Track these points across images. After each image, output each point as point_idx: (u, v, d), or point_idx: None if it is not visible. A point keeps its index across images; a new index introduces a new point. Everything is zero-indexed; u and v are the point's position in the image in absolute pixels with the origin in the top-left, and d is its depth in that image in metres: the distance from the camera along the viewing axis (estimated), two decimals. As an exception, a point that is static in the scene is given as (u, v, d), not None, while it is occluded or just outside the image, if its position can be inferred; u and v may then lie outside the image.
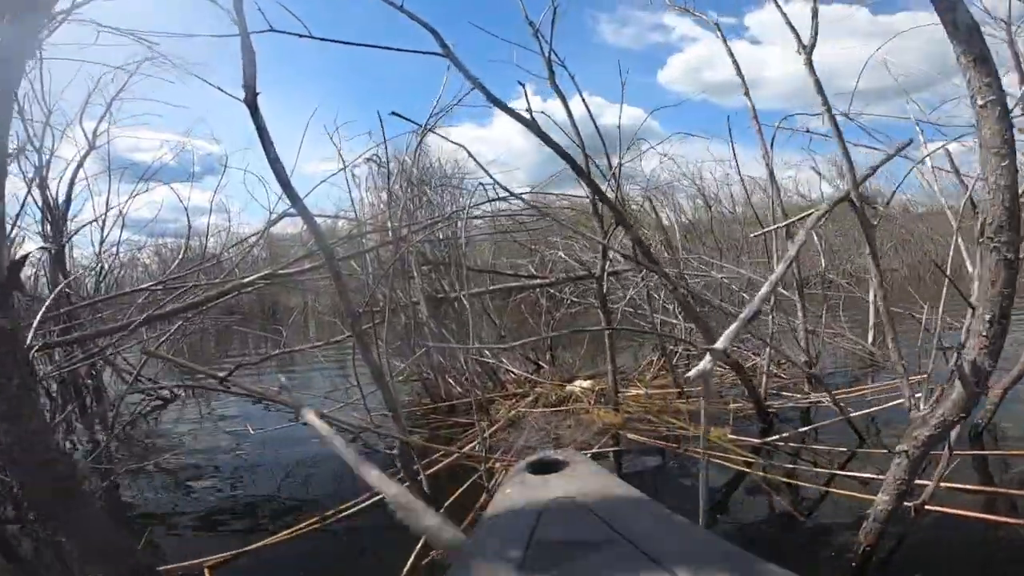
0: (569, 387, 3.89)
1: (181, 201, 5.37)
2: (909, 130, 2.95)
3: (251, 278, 3.31)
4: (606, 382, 3.94)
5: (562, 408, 3.50)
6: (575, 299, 5.57)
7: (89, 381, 5.09)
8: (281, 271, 3.40)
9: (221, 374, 2.78)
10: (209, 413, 4.59)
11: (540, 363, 4.94)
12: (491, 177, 3.33)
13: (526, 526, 0.79)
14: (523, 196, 4.26)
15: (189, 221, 5.27)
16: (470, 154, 3.45)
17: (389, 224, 4.03)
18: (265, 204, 4.11)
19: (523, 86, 2.90)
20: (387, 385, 2.08)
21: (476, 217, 4.48)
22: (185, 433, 3.98)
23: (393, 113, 2.78)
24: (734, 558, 0.70)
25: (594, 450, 2.69)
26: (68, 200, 5.14)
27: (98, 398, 5.16)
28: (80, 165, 5.22)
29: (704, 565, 0.67)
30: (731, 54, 3.64)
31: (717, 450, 2.61)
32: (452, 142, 3.58)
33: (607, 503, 0.84)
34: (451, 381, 3.94)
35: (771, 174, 3.72)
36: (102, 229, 5.72)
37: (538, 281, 4.41)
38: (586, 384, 3.90)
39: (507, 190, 3.40)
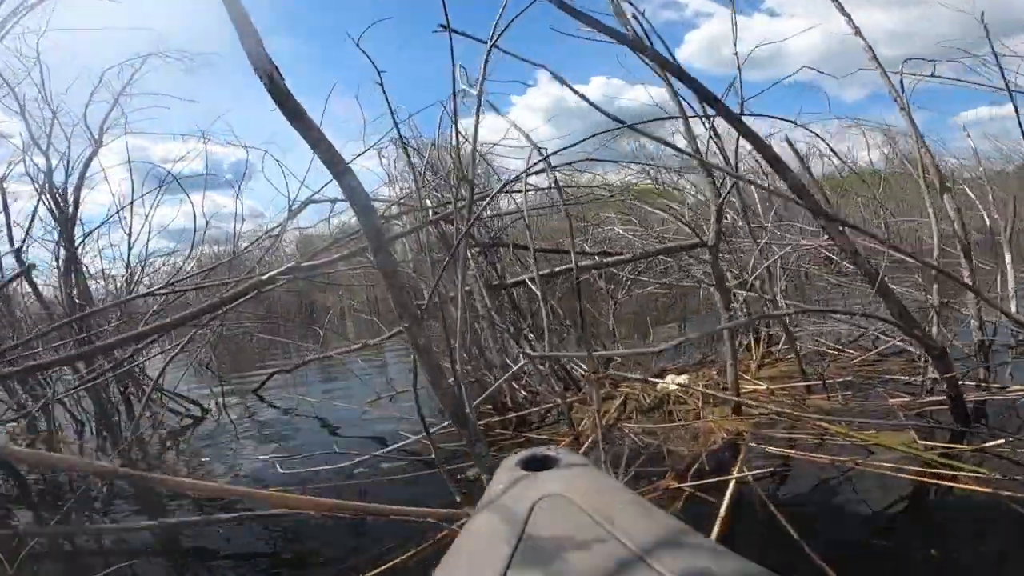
0: (661, 384, 3.17)
1: (192, 207, 4.80)
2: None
3: (270, 274, 2.70)
4: (705, 376, 3.22)
5: (660, 411, 2.79)
6: (634, 277, 4.83)
7: (116, 396, 4.64)
8: (306, 263, 2.78)
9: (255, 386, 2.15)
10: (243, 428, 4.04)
11: (612, 356, 4.24)
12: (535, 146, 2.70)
13: (517, 521, 0.78)
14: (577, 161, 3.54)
15: (195, 223, 4.73)
16: (516, 126, 2.81)
17: (428, 203, 3.40)
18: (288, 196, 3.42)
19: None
20: (460, 404, 1.42)
21: (533, 189, 3.78)
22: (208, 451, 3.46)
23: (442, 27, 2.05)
24: (723, 559, 0.69)
25: (738, 475, 1.96)
26: (76, 204, 4.67)
27: (130, 416, 4.70)
28: (87, 165, 4.76)
29: (694, 564, 0.66)
30: None
31: (907, 461, 1.88)
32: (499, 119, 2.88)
33: (598, 501, 0.81)
34: (515, 386, 3.27)
35: (912, 123, 2.85)
36: (129, 237, 5.26)
37: (619, 257, 3.63)
38: (681, 379, 3.17)
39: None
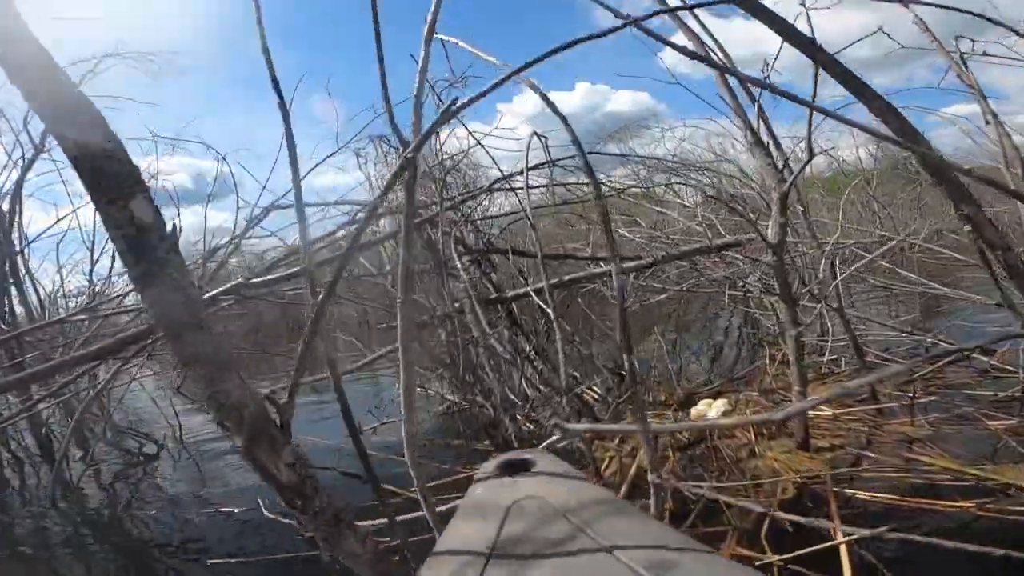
0: (695, 412, 2.63)
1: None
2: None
3: (211, 294, 2.15)
4: (749, 400, 2.70)
5: (702, 448, 2.25)
6: (645, 284, 4.32)
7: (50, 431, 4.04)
8: (256, 279, 2.24)
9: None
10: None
11: (628, 376, 3.71)
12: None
13: (493, 524, 0.78)
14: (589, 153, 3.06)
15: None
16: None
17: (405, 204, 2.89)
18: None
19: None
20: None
21: (536, 187, 3.28)
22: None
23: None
24: (705, 560, 0.68)
25: (847, 538, 1.41)
26: (12, 213, 4.12)
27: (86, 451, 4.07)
28: (24, 172, 4.21)
29: (673, 566, 0.64)
30: None
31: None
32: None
33: (576, 502, 0.81)
34: (519, 418, 2.72)
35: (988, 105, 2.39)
36: (91, 252, 4.74)
37: (669, 255, 3.04)
38: (720, 405, 2.64)
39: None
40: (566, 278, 2.77)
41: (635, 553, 0.68)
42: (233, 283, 2.21)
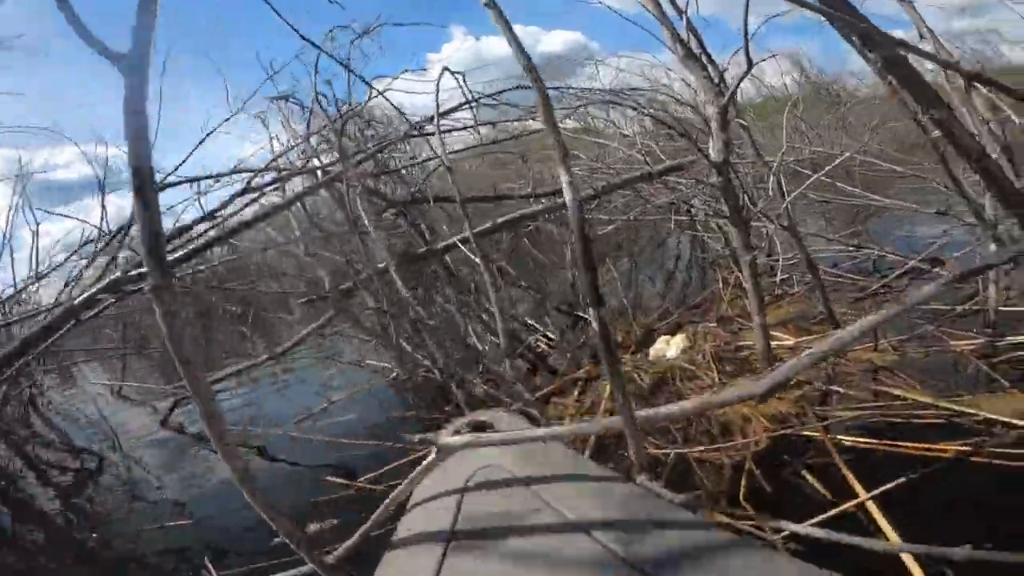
0: (654, 351, 2.49)
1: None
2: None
3: (86, 294, 1.78)
4: (708, 333, 2.57)
5: (665, 392, 2.11)
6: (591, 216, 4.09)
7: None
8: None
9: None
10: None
11: (581, 316, 3.54)
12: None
13: (452, 503, 0.75)
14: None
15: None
16: None
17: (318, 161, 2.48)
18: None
19: None
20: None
21: (453, 130, 2.91)
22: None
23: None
24: (667, 517, 0.66)
25: (866, 496, 1.29)
26: None
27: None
28: None
29: (633, 527, 0.63)
30: None
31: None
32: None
33: (534, 467, 0.79)
34: (471, 380, 2.51)
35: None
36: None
37: (625, 178, 2.72)
38: (678, 341, 2.50)
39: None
40: (500, 220, 2.50)
41: (604, 525, 0.63)
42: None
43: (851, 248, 3.28)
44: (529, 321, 3.26)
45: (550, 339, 3.14)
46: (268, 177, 2.35)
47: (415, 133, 2.42)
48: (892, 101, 1.24)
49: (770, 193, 1.91)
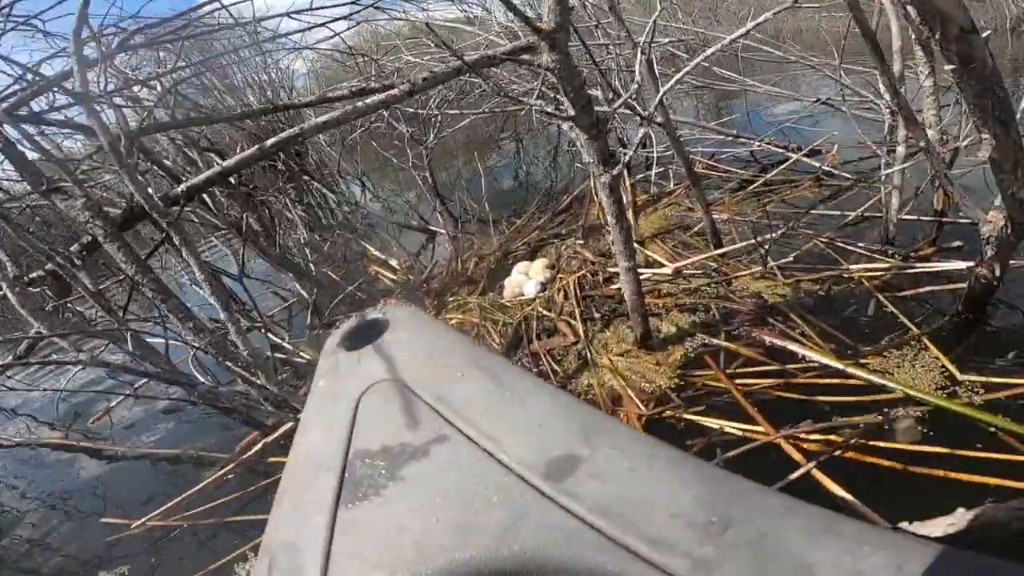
0: (510, 287, 2.00)
1: None
2: None
3: None
4: (573, 255, 2.12)
5: (522, 343, 1.66)
6: (444, 112, 3.35)
7: None
8: None
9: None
10: None
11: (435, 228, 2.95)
12: None
13: (341, 437, 0.65)
14: None
15: None
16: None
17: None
18: None
19: None
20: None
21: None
22: None
23: None
24: (575, 425, 0.59)
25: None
26: None
27: None
28: None
29: (555, 444, 0.56)
30: None
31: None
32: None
33: (440, 377, 0.69)
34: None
35: None
36: None
37: (403, 87, 1.99)
38: (538, 268, 2.03)
39: None
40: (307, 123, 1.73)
41: (527, 452, 0.57)
42: None
43: (728, 138, 2.91)
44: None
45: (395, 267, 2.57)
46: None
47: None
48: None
49: (638, 80, 1.38)
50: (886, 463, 1.01)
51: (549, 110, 1.11)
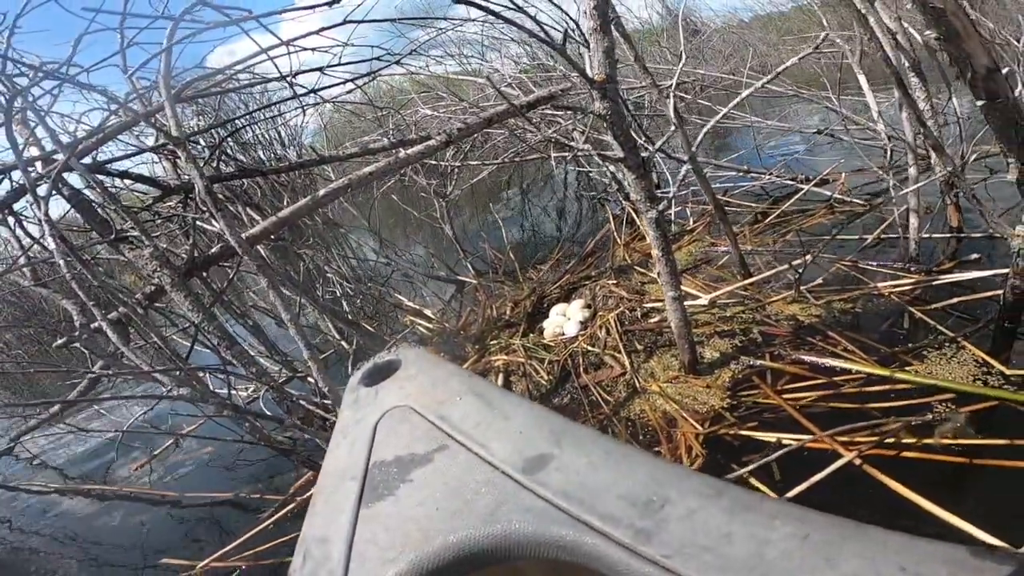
0: (550, 328, 2.08)
1: None
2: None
3: None
4: (608, 294, 2.21)
5: (568, 386, 1.73)
6: (462, 163, 3.55)
7: None
8: None
9: None
10: None
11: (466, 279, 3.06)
12: None
13: (362, 450, 0.77)
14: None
15: None
16: None
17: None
18: None
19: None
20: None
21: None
22: None
23: None
24: (587, 440, 0.67)
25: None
26: None
27: None
28: None
29: (549, 461, 0.65)
30: None
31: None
32: None
33: (441, 401, 0.80)
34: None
35: None
36: None
37: (430, 142, 2.13)
38: (575, 310, 2.12)
39: None
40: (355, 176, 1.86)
41: (508, 454, 0.67)
42: None
43: (739, 173, 3.07)
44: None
45: (430, 317, 2.68)
46: None
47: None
48: None
49: (674, 122, 1.50)
50: (945, 458, 1.07)
51: (599, 152, 1.23)
